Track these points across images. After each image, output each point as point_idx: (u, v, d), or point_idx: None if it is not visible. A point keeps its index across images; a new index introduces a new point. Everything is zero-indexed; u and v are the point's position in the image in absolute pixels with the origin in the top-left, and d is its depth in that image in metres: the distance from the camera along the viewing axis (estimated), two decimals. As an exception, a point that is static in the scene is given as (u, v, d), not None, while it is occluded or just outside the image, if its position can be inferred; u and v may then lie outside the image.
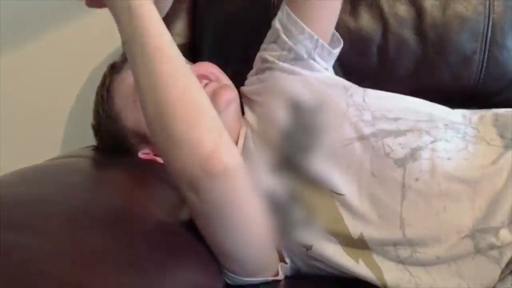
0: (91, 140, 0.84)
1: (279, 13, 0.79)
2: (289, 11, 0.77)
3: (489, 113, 0.75)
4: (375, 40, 0.89)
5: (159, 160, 0.75)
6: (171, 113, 0.55)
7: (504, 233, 0.60)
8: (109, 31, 1.11)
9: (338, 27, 0.88)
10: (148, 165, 0.73)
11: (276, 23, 0.79)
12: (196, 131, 0.55)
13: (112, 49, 1.17)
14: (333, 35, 0.81)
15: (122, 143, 0.76)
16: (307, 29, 0.76)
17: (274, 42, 0.79)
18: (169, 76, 0.55)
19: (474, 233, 0.61)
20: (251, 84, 0.81)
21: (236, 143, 0.75)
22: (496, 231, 0.60)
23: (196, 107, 0.56)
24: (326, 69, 0.81)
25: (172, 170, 0.57)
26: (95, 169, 0.70)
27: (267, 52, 0.80)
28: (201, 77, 0.75)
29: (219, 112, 0.71)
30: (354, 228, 0.65)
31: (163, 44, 0.56)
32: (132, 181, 0.67)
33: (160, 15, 0.59)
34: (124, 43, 0.58)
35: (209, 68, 0.79)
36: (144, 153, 0.76)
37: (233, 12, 0.93)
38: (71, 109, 1.22)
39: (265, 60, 0.80)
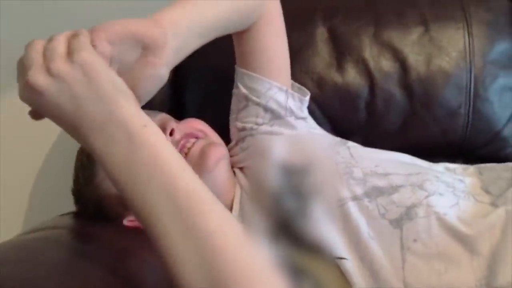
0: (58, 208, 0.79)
1: (238, 79, 0.77)
2: (248, 72, 0.75)
3: (472, 167, 0.76)
4: (362, 96, 0.88)
5: (146, 227, 0.70)
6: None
7: None
8: None
9: (325, 83, 0.89)
10: (134, 233, 0.68)
11: (241, 89, 0.76)
12: None
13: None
14: (294, 85, 0.80)
15: (105, 210, 0.71)
16: (273, 82, 0.75)
17: (245, 108, 0.77)
18: (217, 231, 0.44)
19: None
20: (235, 155, 0.78)
21: (232, 202, 0.72)
22: None
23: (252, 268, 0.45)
24: (305, 117, 0.80)
25: None
26: (77, 242, 0.64)
27: (241, 120, 0.77)
28: (188, 136, 0.72)
29: (208, 172, 0.68)
30: None
31: (191, 183, 0.46)
32: (119, 252, 0.62)
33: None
34: (122, 185, 0.47)
35: (197, 125, 0.76)
36: (129, 220, 0.71)
37: (218, 70, 0.90)
38: (37, 176, 1.16)
39: (242, 129, 0.77)
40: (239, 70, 0.76)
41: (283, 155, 0.72)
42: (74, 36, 0.46)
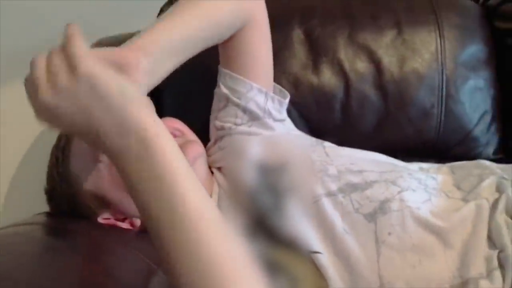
0: (33, 208, 0.78)
1: (221, 79, 0.78)
2: (231, 73, 0.76)
3: (445, 166, 0.77)
4: (338, 96, 0.90)
5: (121, 225, 0.70)
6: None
7: (484, 284, 0.60)
8: None
9: (302, 84, 0.90)
10: (109, 231, 0.67)
11: (222, 89, 0.77)
12: None
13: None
14: (275, 88, 0.81)
15: (79, 208, 0.70)
16: (254, 84, 0.76)
17: (225, 108, 0.78)
18: (213, 244, 0.46)
19: (454, 287, 0.60)
20: (213, 153, 0.78)
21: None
22: (476, 282, 0.60)
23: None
24: (283, 120, 0.81)
25: None
26: (52, 237, 0.63)
27: (220, 120, 0.78)
28: None
29: None
30: None
31: (199, 196, 0.48)
32: (93, 249, 0.61)
33: None
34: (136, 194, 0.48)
35: (174, 123, 0.76)
36: (104, 218, 0.70)
37: (195, 70, 0.90)
38: (13, 176, 1.14)
39: (221, 128, 0.78)
40: (222, 71, 0.77)
41: (259, 154, 0.72)
42: (70, 47, 0.46)
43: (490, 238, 0.62)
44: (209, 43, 0.71)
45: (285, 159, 0.71)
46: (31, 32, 1.11)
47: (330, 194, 0.67)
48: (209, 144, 0.80)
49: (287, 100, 0.81)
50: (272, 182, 0.69)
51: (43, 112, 0.47)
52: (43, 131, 1.13)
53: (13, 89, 1.11)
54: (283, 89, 0.82)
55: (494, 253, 0.60)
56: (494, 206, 0.64)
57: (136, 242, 0.66)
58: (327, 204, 0.66)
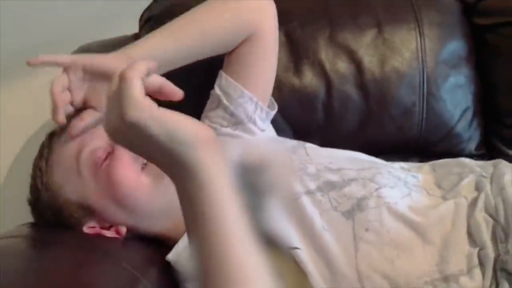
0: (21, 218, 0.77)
1: (218, 81, 0.81)
2: (228, 77, 0.80)
3: (426, 165, 0.78)
4: (319, 97, 0.90)
5: (106, 233, 0.70)
6: None
7: (464, 281, 0.61)
8: (39, 105, 1.09)
9: (284, 86, 0.90)
10: (94, 240, 0.68)
11: (216, 90, 0.80)
12: None
13: (42, 123, 1.12)
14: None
15: (64, 218, 0.70)
16: (246, 92, 0.79)
17: (215, 109, 0.81)
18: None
19: (435, 282, 0.61)
20: None
21: None
22: (456, 278, 0.61)
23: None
24: (264, 130, 0.83)
25: None
26: (35, 251, 0.63)
27: (209, 119, 0.81)
28: None
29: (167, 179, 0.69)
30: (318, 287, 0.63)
31: (244, 246, 0.48)
32: (77, 260, 0.61)
33: None
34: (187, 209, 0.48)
35: None
36: (89, 227, 0.70)
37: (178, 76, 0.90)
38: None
39: None
40: (222, 74, 0.80)
41: (239, 155, 0.73)
42: (125, 88, 0.44)
43: (470, 235, 0.63)
44: (207, 55, 0.77)
45: (265, 159, 0.72)
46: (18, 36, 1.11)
47: (309, 192, 0.68)
48: None
49: (274, 112, 0.84)
50: (252, 182, 0.69)
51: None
52: (27, 141, 1.13)
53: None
54: (273, 102, 0.84)
55: (475, 251, 0.61)
56: (473, 204, 0.65)
57: (121, 251, 0.66)
58: (306, 202, 0.67)
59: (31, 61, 0.63)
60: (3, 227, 0.77)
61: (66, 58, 0.64)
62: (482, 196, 0.65)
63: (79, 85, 0.64)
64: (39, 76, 1.11)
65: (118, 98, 0.44)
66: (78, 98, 0.64)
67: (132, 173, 0.68)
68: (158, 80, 0.48)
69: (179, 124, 0.45)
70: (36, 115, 1.09)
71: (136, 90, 0.44)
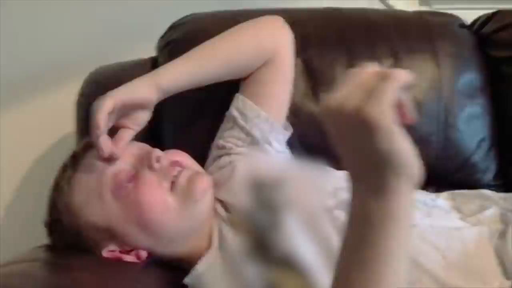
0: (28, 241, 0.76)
1: (234, 102, 0.82)
2: (245, 99, 0.81)
3: (445, 193, 0.78)
4: (338, 124, 0.90)
5: (126, 258, 0.69)
6: None
7: None
8: (47, 123, 1.09)
9: (302, 113, 0.90)
10: (113, 266, 0.66)
11: (233, 111, 0.81)
12: None
13: (55, 139, 1.11)
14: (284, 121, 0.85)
15: (83, 240, 0.68)
16: (262, 113, 0.80)
17: (230, 129, 0.81)
18: None
19: None
20: (210, 174, 0.79)
21: (210, 231, 0.72)
22: None
23: None
24: (279, 152, 0.83)
25: None
26: (54, 275, 0.61)
27: (224, 139, 0.82)
28: (174, 163, 0.71)
29: (194, 201, 0.68)
30: None
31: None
32: (97, 286, 0.59)
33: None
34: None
35: (182, 156, 0.76)
36: (109, 251, 0.69)
37: (194, 102, 0.91)
38: (7, 207, 1.12)
39: (222, 147, 0.81)
40: (238, 96, 0.82)
41: (255, 172, 0.74)
42: (385, 93, 0.42)
43: (503, 266, 0.62)
44: (227, 79, 0.81)
45: (281, 175, 0.72)
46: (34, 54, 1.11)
47: (326, 209, 0.68)
48: (206, 163, 0.82)
49: (288, 133, 0.85)
50: (267, 198, 0.69)
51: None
52: (37, 161, 1.12)
53: (10, 118, 1.11)
54: (289, 125, 0.85)
55: (508, 283, 0.61)
56: (501, 236, 0.64)
57: (141, 276, 0.65)
58: (323, 219, 0.67)
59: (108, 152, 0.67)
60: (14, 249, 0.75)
61: (109, 105, 0.67)
62: (511, 229, 0.65)
63: (114, 113, 0.69)
64: (52, 95, 1.12)
65: (367, 90, 0.42)
66: (109, 124, 0.69)
67: (159, 195, 0.67)
68: (404, 97, 0.45)
69: (403, 150, 0.44)
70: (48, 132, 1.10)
71: (391, 95, 0.42)
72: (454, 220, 0.69)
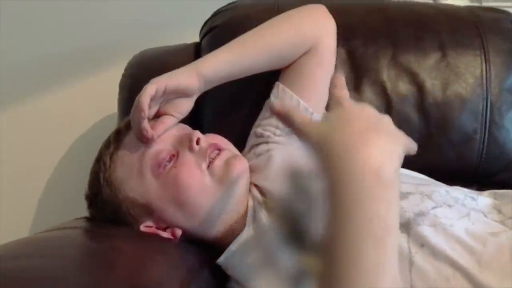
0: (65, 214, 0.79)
1: (274, 90, 0.82)
2: (285, 87, 0.81)
3: (486, 192, 0.76)
4: (379, 117, 0.89)
5: (162, 234, 0.70)
6: None
7: None
8: (91, 102, 1.12)
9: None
10: (150, 238, 0.68)
11: (271, 99, 0.82)
12: None
13: (95, 120, 1.15)
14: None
15: (122, 214, 0.70)
16: (302, 103, 0.80)
17: (270, 117, 0.82)
18: None
19: None
20: (248, 160, 0.79)
21: (245, 214, 0.72)
22: None
23: None
24: None
25: None
26: (94, 242, 0.64)
27: (262, 127, 0.82)
28: (213, 146, 0.72)
29: (231, 183, 0.69)
30: None
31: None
32: (134, 253, 0.61)
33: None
34: None
35: (220, 139, 0.77)
36: (146, 226, 0.70)
37: (233, 91, 0.91)
38: (48, 181, 1.16)
39: (260, 135, 0.82)
40: (278, 84, 0.82)
41: (293, 161, 0.73)
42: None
43: None
44: (270, 68, 0.81)
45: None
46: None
47: None
48: (244, 150, 0.83)
49: None
50: (302, 186, 0.69)
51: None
52: (81, 139, 1.16)
53: (53, 94, 1.14)
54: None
55: None
56: None
57: (177, 252, 0.66)
58: None
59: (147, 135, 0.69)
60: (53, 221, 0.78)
61: (152, 90, 0.68)
62: None
63: (157, 99, 0.70)
64: (96, 75, 1.15)
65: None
66: (153, 110, 0.71)
67: (197, 175, 0.69)
68: None
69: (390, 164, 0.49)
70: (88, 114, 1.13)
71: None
72: (491, 224, 0.67)
